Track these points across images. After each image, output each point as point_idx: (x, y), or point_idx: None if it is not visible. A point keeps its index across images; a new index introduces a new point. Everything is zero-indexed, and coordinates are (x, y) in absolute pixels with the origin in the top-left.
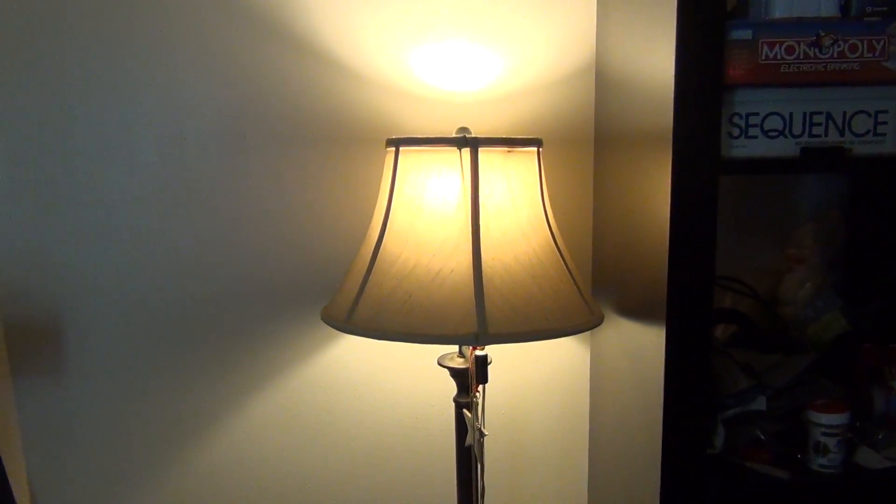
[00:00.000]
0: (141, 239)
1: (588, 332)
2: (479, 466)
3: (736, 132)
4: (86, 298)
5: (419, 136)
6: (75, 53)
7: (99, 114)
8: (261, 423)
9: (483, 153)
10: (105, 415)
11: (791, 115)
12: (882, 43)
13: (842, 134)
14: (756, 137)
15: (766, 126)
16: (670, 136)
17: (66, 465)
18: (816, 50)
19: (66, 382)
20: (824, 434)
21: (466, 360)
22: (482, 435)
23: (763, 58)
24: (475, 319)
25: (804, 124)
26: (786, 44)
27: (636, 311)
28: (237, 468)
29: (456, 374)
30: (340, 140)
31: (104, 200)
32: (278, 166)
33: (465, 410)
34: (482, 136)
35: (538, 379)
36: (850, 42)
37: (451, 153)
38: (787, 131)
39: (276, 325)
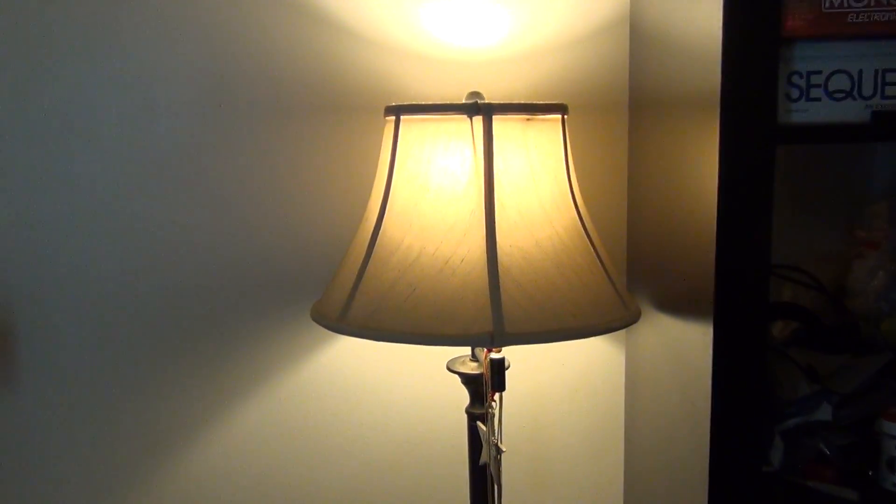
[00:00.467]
0: (102, 225)
1: (623, 331)
2: (495, 488)
3: (795, 94)
4: (39, 294)
5: (423, 103)
6: (24, 11)
7: (53, 79)
8: (243, 437)
9: (498, 122)
10: (62, 430)
11: (860, 72)
12: None
13: None
14: (819, 100)
15: (831, 86)
16: (718, 99)
17: (18, 489)
18: None
19: (18, 392)
20: None
21: (480, 365)
22: (499, 451)
23: (827, 5)
24: (490, 316)
25: (876, 84)
26: None
27: (679, 305)
28: (216, 489)
29: (468, 380)
30: (332, 108)
31: (60, 179)
32: (261, 139)
33: (479, 423)
34: (497, 101)
35: (564, 385)
36: None
37: (460, 122)
38: (855, 92)
39: (259, 324)
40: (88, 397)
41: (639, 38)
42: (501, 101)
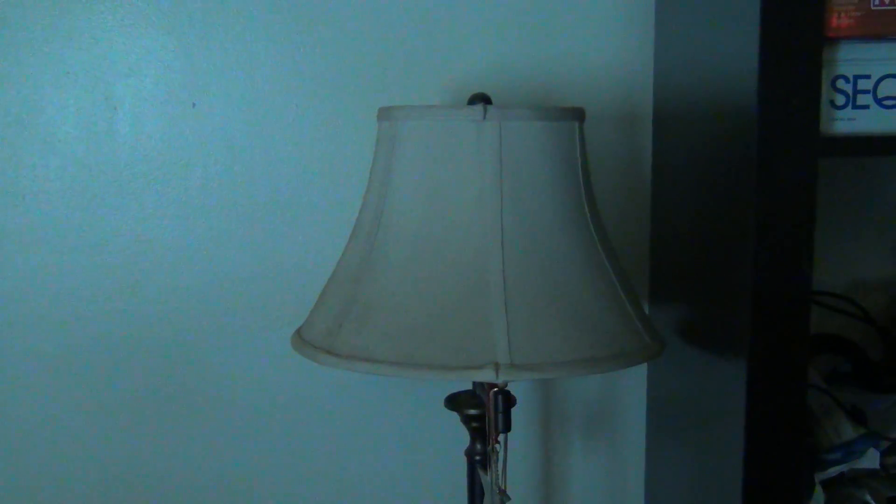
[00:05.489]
0: (53, 238)
1: (643, 365)
2: None
3: (841, 100)
4: None
5: (424, 105)
6: None
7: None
8: (207, 485)
9: (509, 127)
10: None
11: None
12: None
13: None
14: (867, 107)
15: (881, 92)
16: (755, 105)
17: None
18: None
19: None
20: None
21: (483, 400)
22: (504, 499)
23: (877, 2)
24: (496, 345)
25: None
26: None
27: (708, 336)
28: None
29: (469, 419)
30: (319, 110)
31: (4, 186)
32: (238, 142)
33: (479, 468)
34: (506, 105)
35: (578, 425)
36: None
37: (467, 127)
38: None
39: (233, 354)
40: (15, 442)
41: (665, 35)
42: (512, 105)
